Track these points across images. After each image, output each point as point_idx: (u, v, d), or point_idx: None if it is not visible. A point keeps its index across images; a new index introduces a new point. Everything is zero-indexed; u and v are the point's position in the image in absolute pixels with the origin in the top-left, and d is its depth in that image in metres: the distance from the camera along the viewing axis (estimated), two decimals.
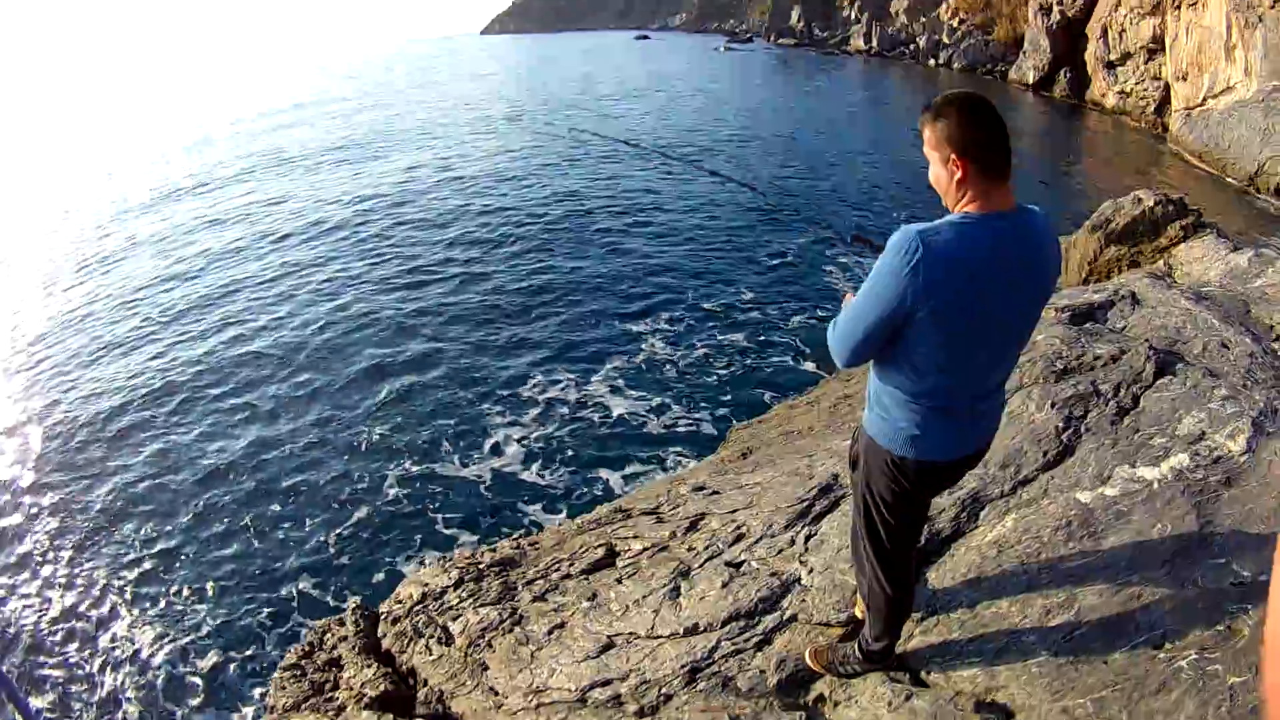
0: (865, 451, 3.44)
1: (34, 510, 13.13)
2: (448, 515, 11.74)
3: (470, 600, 6.06)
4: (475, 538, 11.16)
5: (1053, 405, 5.63)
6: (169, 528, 12.18)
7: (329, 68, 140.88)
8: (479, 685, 5.25)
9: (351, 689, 5.69)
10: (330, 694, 5.77)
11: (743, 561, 5.25)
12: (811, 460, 6.55)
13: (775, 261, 20.80)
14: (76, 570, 11.65)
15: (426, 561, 10.56)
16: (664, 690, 4.47)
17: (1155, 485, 4.63)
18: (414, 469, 12.85)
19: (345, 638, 6.40)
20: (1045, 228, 2.99)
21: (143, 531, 12.17)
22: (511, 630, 5.53)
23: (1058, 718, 3.53)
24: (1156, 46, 34.54)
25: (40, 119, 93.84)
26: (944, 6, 66.21)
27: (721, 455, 9.20)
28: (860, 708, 3.89)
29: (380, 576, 10.76)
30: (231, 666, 9.63)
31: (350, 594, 10.38)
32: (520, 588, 6.02)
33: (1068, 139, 35.33)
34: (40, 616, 10.93)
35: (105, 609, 10.87)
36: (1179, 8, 31.84)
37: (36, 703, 9.65)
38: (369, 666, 5.88)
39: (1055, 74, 44.99)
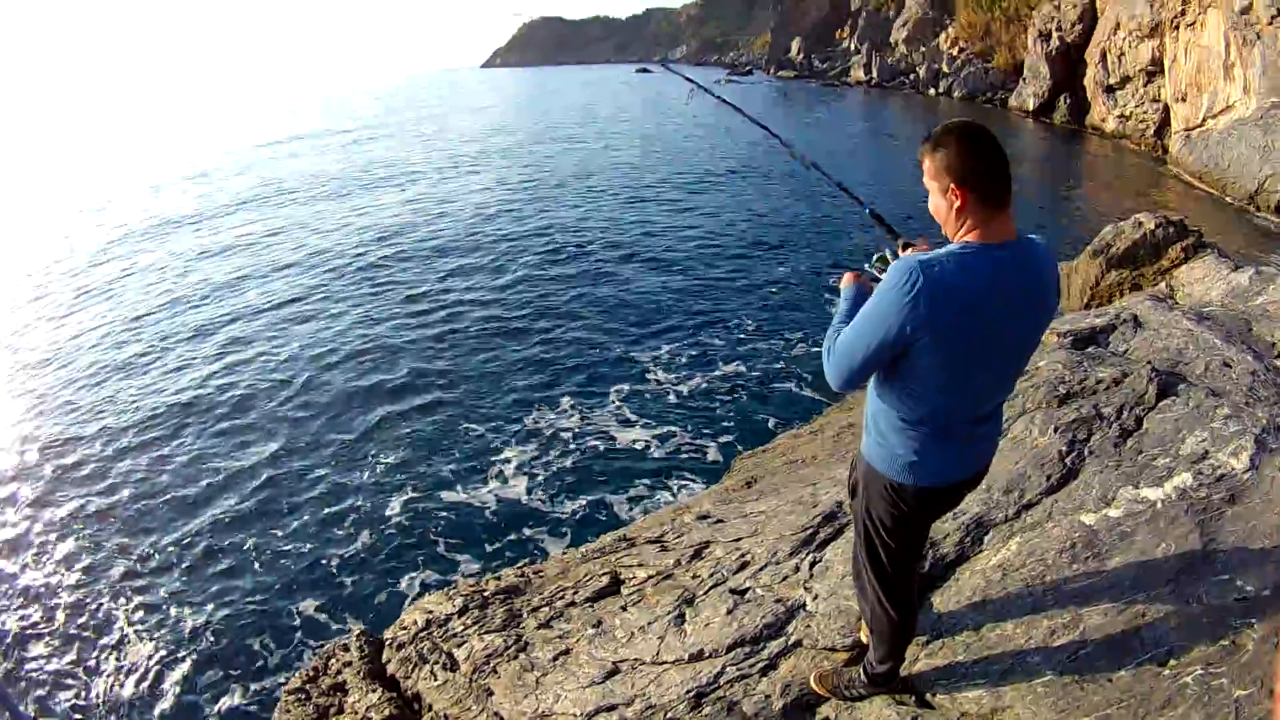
0: (864, 478, 3.45)
1: (34, 529, 13.14)
2: (451, 540, 11.75)
3: (475, 627, 6.06)
4: (478, 563, 11.18)
5: (1055, 429, 5.63)
6: (170, 548, 12.20)
7: (330, 100, 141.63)
8: (484, 710, 5.24)
9: (356, 713, 5.71)
10: (335, 718, 5.79)
11: (747, 588, 5.26)
12: (815, 488, 6.56)
13: (777, 290, 20.90)
14: (76, 589, 11.63)
15: (429, 585, 10.64)
16: (669, 715, 4.47)
17: (1159, 505, 4.63)
18: (417, 495, 12.84)
19: (350, 663, 6.41)
20: (1045, 256, 3.00)
21: (144, 552, 12.18)
22: (516, 657, 5.53)
23: None
24: (1155, 69, 34.73)
25: (41, 144, 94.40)
26: (943, 36, 66.63)
27: (726, 484, 9.20)
28: None
29: (383, 599, 10.76)
30: (234, 688, 9.61)
31: (352, 618, 10.40)
32: (525, 615, 6.03)
33: (1068, 164, 35.45)
34: (39, 633, 10.92)
35: (104, 628, 10.86)
36: (1177, 29, 32.03)
37: (21, 709, 9.66)
38: (374, 691, 5.89)
39: (1055, 100, 45.22)
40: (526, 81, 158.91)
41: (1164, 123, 34.29)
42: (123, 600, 11.26)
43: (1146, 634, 3.82)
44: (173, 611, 10.93)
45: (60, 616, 11.14)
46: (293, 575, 11.36)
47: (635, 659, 5.02)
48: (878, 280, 3.50)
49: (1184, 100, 31.67)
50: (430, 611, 6.56)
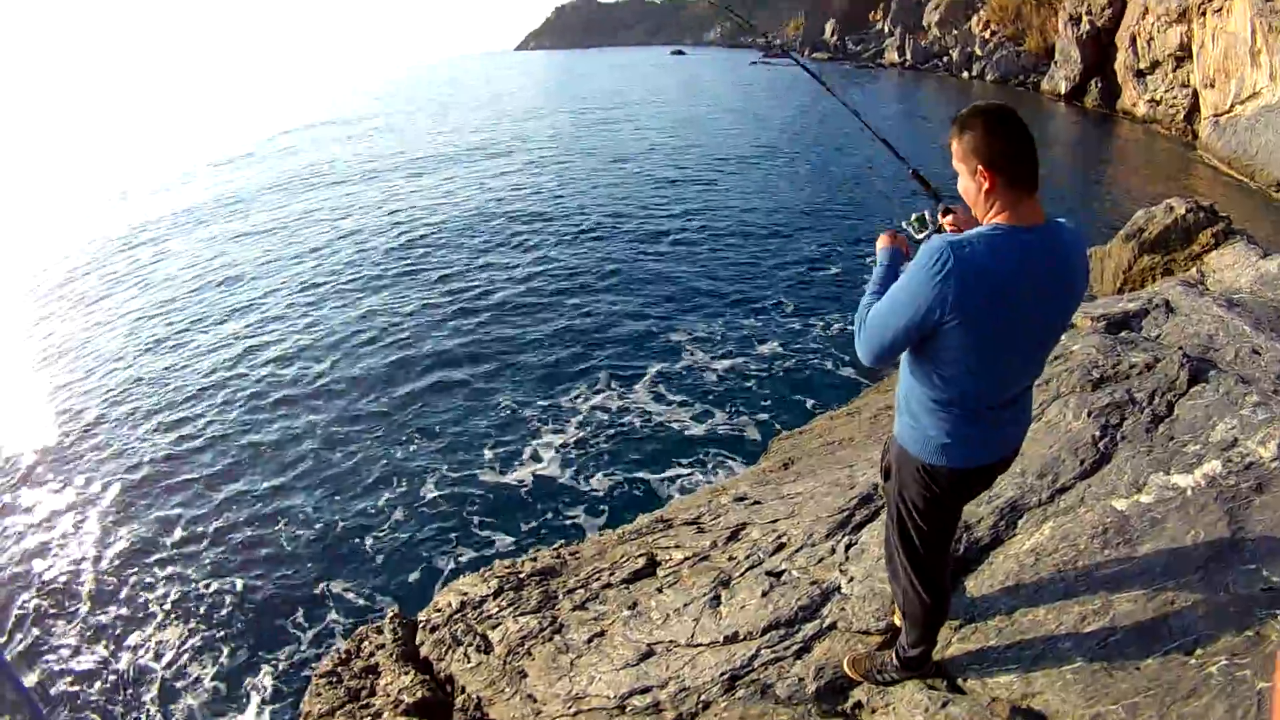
0: (897, 460, 3.48)
1: (66, 504, 13.34)
2: (486, 519, 11.76)
3: (510, 609, 6.09)
4: (514, 542, 11.18)
5: (1089, 414, 5.64)
6: (202, 526, 12.29)
7: (362, 84, 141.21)
8: (517, 692, 5.28)
9: (389, 695, 5.72)
10: (367, 701, 5.79)
11: (783, 570, 5.29)
12: (852, 470, 6.58)
13: (814, 271, 20.97)
14: (106, 565, 11.75)
15: (464, 564, 10.67)
16: (703, 698, 4.50)
17: (1189, 492, 4.63)
18: (453, 474, 12.86)
19: (383, 645, 6.44)
20: (1074, 241, 3.02)
21: (175, 529, 12.29)
22: (551, 639, 5.56)
23: None
24: (1184, 54, 34.42)
25: (71, 135, 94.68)
26: (975, 19, 66.11)
27: (763, 465, 9.23)
28: (897, 714, 3.92)
29: (416, 578, 10.78)
30: (264, 668, 9.65)
31: (385, 597, 10.43)
32: (561, 596, 6.06)
33: (1099, 149, 35.22)
34: (69, 608, 11.04)
35: (133, 605, 10.96)
36: (1204, 15, 31.74)
37: (53, 690, 9.75)
38: (406, 674, 5.91)
39: (1086, 84, 44.80)
40: (560, 64, 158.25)
41: (1193, 108, 33.98)
42: (152, 577, 11.36)
43: (1174, 622, 3.82)
44: (203, 589, 11.01)
45: (89, 592, 11.26)
46: (325, 554, 11.40)
47: (670, 641, 5.06)
48: (914, 241, 3.54)
49: (1212, 86, 31.38)
50: (465, 593, 6.59)
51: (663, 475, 12.36)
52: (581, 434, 13.66)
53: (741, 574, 5.42)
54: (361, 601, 10.48)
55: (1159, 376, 5.99)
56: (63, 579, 11.63)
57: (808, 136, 42.66)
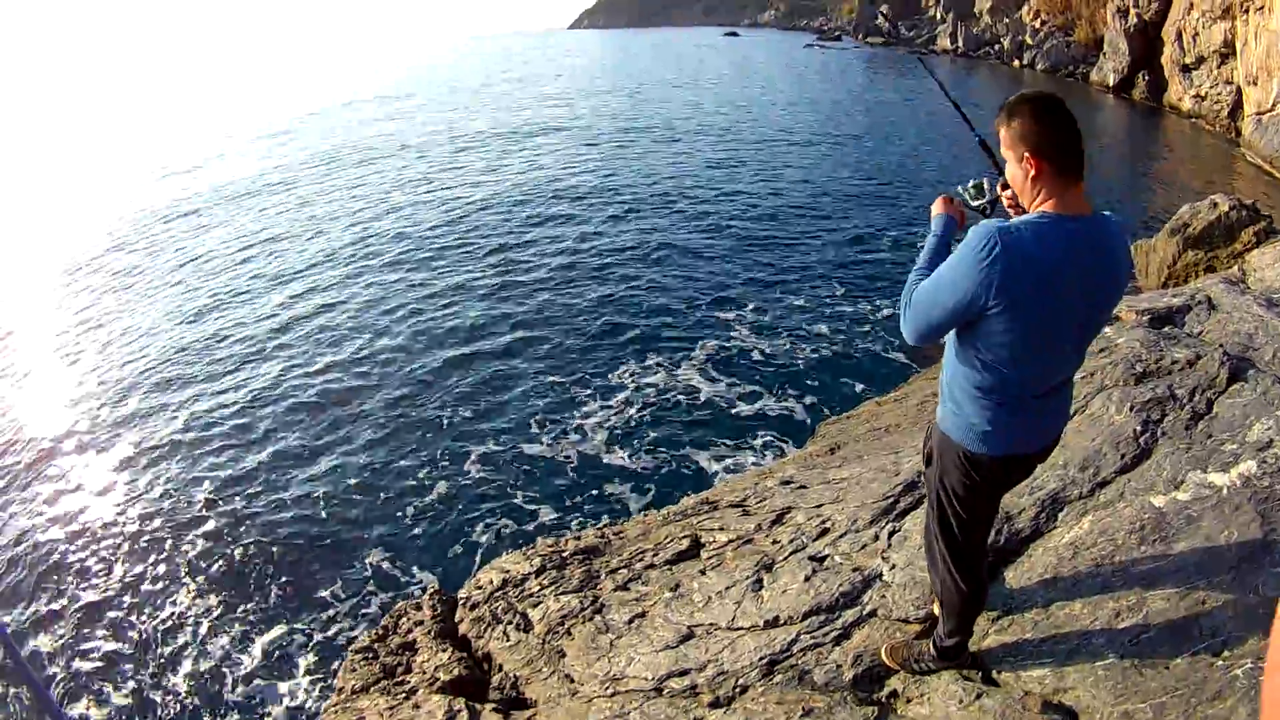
0: (938, 447, 3.52)
1: (104, 466, 13.59)
2: (530, 494, 11.81)
3: (551, 588, 6.15)
4: (557, 517, 11.24)
5: (1131, 408, 5.66)
6: (240, 494, 12.41)
7: (414, 61, 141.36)
8: (555, 672, 5.34)
9: (425, 673, 5.78)
10: (402, 677, 5.85)
11: (826, 556, 5.34)
12: (898, 457, 6.62)
13: (864, 253, 20.96)
14: (141, 529, 11.92)
15: (505, 538, 10.75)
16: (741, 681, 4.55)
17: (1225, 491, 4.65)
18: (499, 448, 12.95)
19: (421, 622, 6.51)
20: (1118, 234, 3.05)
21: (212, 495, 12.44)
22: (592, 619, 5.62)
23: None
24: (1228, 50, 33.98)
25: (138, 103, 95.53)
26: (1026, 7, 65.56)
27: (810, 449, 9.31)
28: (931, 705, 3.96)
29: (456, 550, 10.84)
30: (299, 639, 9.72)
31: (423, 570, 10.49)
32: (603, 576, 6.11)
33: (1145, 142, 34.91)
34: (100, 573, 11.21)
35: (168, 572, 11.09)
36: (1247, 12, 31.34)
37: (86, 657, 9.92)
38: (444, 651, 5.97)
39: (1134, 77, 44.24)
40: (613, 43, 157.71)
41: (1237, 105, 33.51)
42: (189, 545, 11.49)
43: (1205, 622, 3.85)
44: (240, 558, 11.12)
45: (124, 559, 11.44)
46: (366, 525, 11.46)
47: (711, 624, 5.11)
48: (969, 207, 3.61)
49: (1255, 84, 30.98)
50: (507, 571, 6.65)
51: (709, 454, 12.37)
52: (628, 410, 13.72)
53: (784, 558, 5.47)
54: (400, 574, 10.54)
55: (1200, 374, 6.00)
56: (98, 545, 11.79)
57: (862, 120, 42.60)
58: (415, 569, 10.60)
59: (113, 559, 11.48)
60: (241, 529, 11.70)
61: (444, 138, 42.38)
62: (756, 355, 15.34)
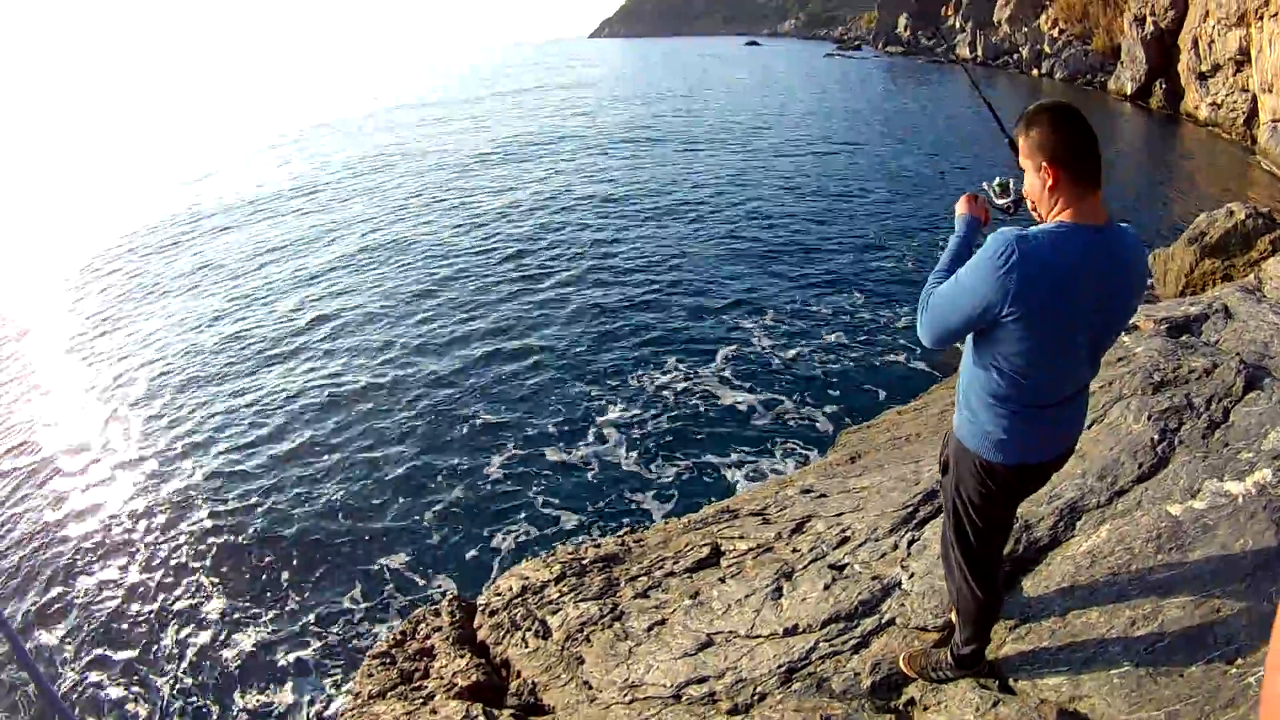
0: (955, 455, 3.54)
1: (121, 460, 13.71)
2: (550, 498, 11.81)
3: (571, 595, 6.18)
4: (577, 522, 11.24)
5: (1149, 417, 5.65)
6: (259, 492, 12.46)
7: (437, 69, 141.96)
8: (573, 679, 5.37)
9: (442, 678, 5.80)
10: (419, 683, 5.86)
11: (846, 564, 5.36)
12: (918, 466, 6.64)
13: (885, 261, 20.89)
14: (156, 525, 12.02)
15: (524, 544, 10.76)
16: (759, 689, 4.58)
17: (1240, 500, 4.65)
18: (519, 451, 12.96)
19: (440, 628, 6.53)
20: (1135, 245, 3.06)
21: (230, 494, 12.50)
22: (611, 626, 5.65)
23: None
24: (1243, 58, 33.84)
25: (190, 102, 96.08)
26: (1044, 17, 65.48)
27: (830, 458, 9.33)
28: (948, 713, 3.98)
29: (475, 554, 10.84)
30: (315, 642, 9.71)
31: (443, 574, 10.49)
32: (623, 584, 6.15)
33: (1162, 150, 34.79)
34: (115, 567, 11.30)
35: (182, 570, 11.14)
36: (1262, 19, 31.26)
37: (96, 650, 9.96)
38: (462, 657, 6.00)
39: (1151, 85, 43.99)
40: (634, 52, 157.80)
41: (1253, 112, 33.41)
42: (205, 544, 11.56)
43: (1219, 630, 3.86)
44: (255, 558, 11.17)
45: (139, 554, 11.53)
46: (384, 528, 11.47)
47: (730, 632, 5.14)
48: (994, 206, 3.62)
49: (1270, 91, 30.86)
50: (526, 577, 6.69)
51: (729, 461, 12.34)
52: (648, 415, 13.73)
53: (804, 566, 5.49)
54: (419, 579, 10.54)
55: (1216, 382, 6.00)
56: (111, 542, 11.88)
57: (882, 127, 42.59)
58: (434, 574, 10.59)
59: (126, 557, 11.55)
60: (259, 530, 11.74)
61: (462, 145, 42.66)
62: (776, 363, 15.33)
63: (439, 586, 10.25)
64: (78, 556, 11.68)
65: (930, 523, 5.50)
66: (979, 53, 74.85)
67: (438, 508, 11.80)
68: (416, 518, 11.66)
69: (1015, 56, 68.16)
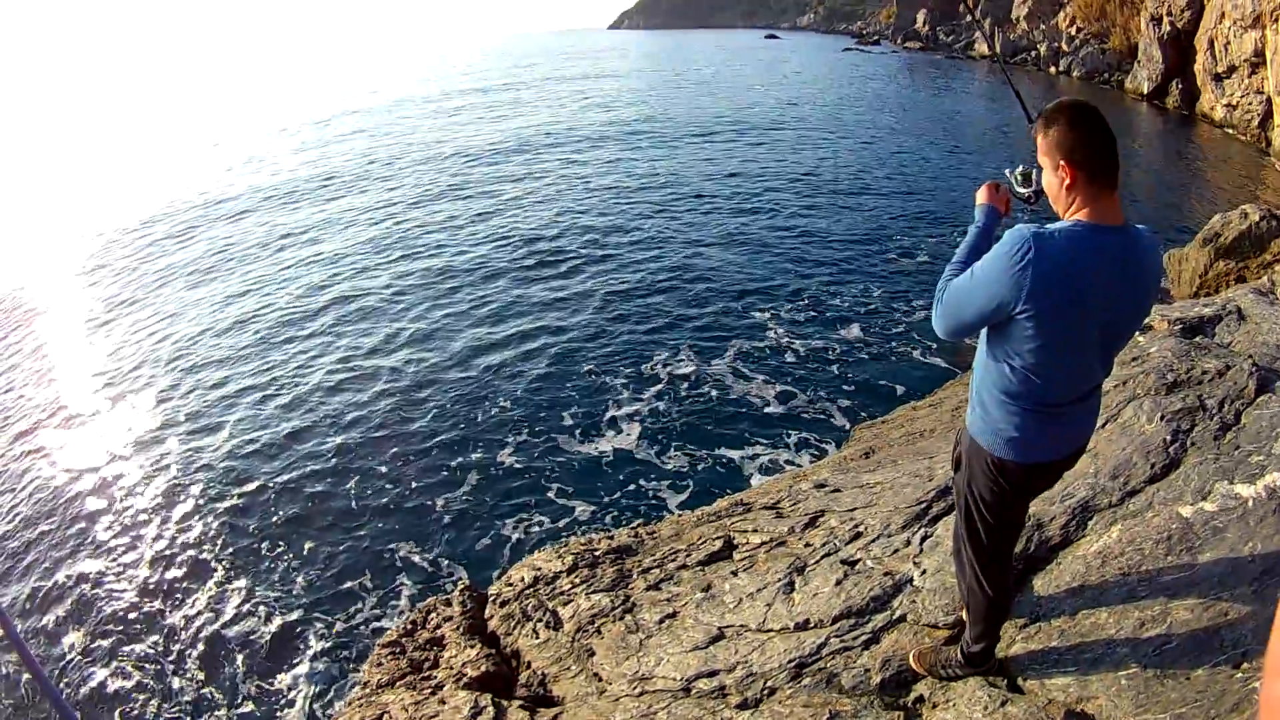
0: (967, 452, 3.56)
1: (131, 449, 13.74)
2: (563, 488, 11.84)
3: (583, 586, 6.20)
4: (591, 513, 11.26)
5: (1162, 418, 5.66)
6: (271, 480, 12.49)
7: (455, 59, 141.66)
8: (583, 670, 5.39)
9: (452, 668, 5.83)
10: (429, 673, 5.89)
11: (858, 560, 5.37)
12: (932, 462, 6.66)
13: (901, 255, 20.93)
14: (168, 511, 12.08)
15: (536, 532, 10.79)
16: (769, 684, 4.59)
17: (1250, 503, 4.65)
18: (533, 439, 13.00)
19: (450, 618, 6.56)
20: (1151, 246, 3.08)
21: (243, 481, 12.55)
22: (622, 618, 5.66)
23: None
24: (1259, 60, 33.74)
25: (200, 95, 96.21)
26: (1062, 15, 65.28)
27: (845, 453, 9.35)
28: (957, 711, 3.99)
29: (487, 543, 10.86)
30: (323, 630, 9.76)
31: (454, 563, 10.51)
32: (635, 576, 6.16)
33: (1177, 150, 34.66)
34: (126, 554, 11.34)
35: (194, 555, 11.19)
36: (1277, 22, 31.16)
37: (108, 636, 10.01)
38: (472, 647, 6.03)
39: (1167, 85, 43.81)
40: (654, 44, 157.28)
41: (1268, 114, 33.31)
42: (217, 530, 11.63)
43: (1227, 634, 3.87)
44: (268, 545, 11.20)
45: (151, 541, 11.59)
46: (397, 516, 11.49)
47: (741, 625, 5.15)
48: (1015, 194, 3.64)
49: None
50: (539, 568, 6.71)
51: (743, 453, 12.37)
52: (662, 404, 13.77)
53: (816, 561, 5.51)
54: (429, 567, 10.57)
55: (1229, 384, 5.99)
56: (119, 523, 12.00)
57: (901, 121, 42.58)
58: (445, 562, 10.62)
59: (132, 540, 11.64)
60: (269, 514, 11.80)
61: (479, 136, 42.52)
62: (791, 355, 15.38)
63: (450, 575, 10.29)
64: (83, 535, 11.81)
65: (943, 519, 5.51)
66: (997, 49, 74.65)
67: (449, 495, 11.83)
68: (428, 505, 11.68)
69: (1033, 54, 67.92)
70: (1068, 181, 2.98)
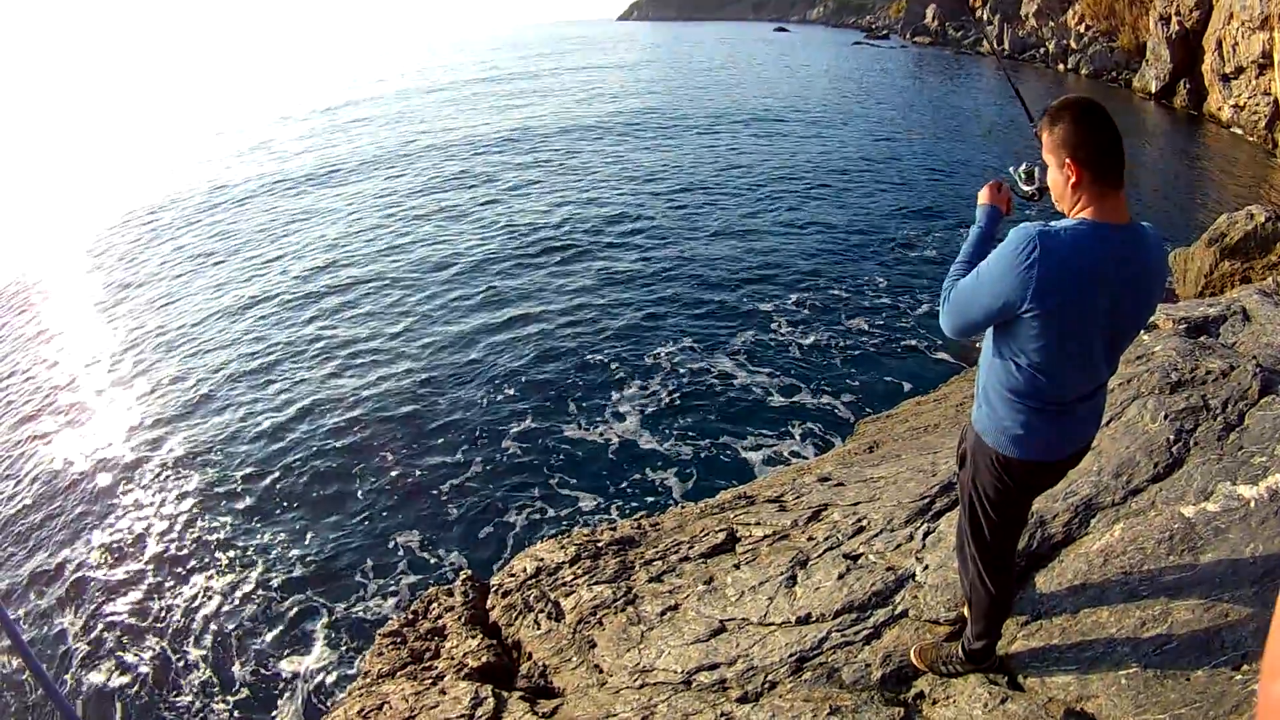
0: (972, 449, 3.56)
1: (137, 440, 13.69)
2: (567, 478, 11.82)
3: (585, 577, 6.20)
4: (594, 503, 11.26)
5: (1166, 417, 5.65)
6: (274, 467, 12.48)
7: (467, 48, 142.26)
8: (584, 662, 5.39)
9: (453, 659, 5.83)
10: (430, 663, 5.90)
11: (860, 554, 5.37)
12: (935, 457, 6.66)
13: (906, 250, 20.86)
14: (166, 497, 12.11)
15: (539, 521, 10.79)
16: (770, 678, 4.60)
17: (1252, 504, 4.65)
18: (536, 427, 13.00)
19: (452, 608, 6.57)
20: (1156, 245, 3.08)
21: (246, 469, 12.54)
22: (624, 609, 5.67)
23: None
24: (1266, 61, 33.67)
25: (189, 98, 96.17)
26: (1071, 12, 65.14)
27: (849, 447, 9.36)
28: (957, 707, 4.00)
29: (488, 532, 10.86)
30: (324, 616, 9.77)
31: (456, 551, 10.51)
32: (637, 567, 6.16)
33: (1184, 150, 34.61)
34: (130, 541, 11.36)
35: (197, 544, 11.19)
36: None
37: (112, 622, 10.03)
38: (474, 637, 6.03)
39: (1175, 84, 43.69)
40: (663, 35, 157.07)
41: (1275, 115, 33.22)
42: (219, 519, 11.62)
43: (1227, 635, 3.88)
44: (270, 533, 11.21)
45: (144, 528, 11.60)
46: (399, 504, 11.49)
47: (743, 619, 5.16)
48: (1018, 192, 3.63)
49: None
50: (541, 559, 6.71)
51: (747, 444, 12.37)
52: (666, 394, 13.76)
53: (819, 555, 5.50)
54: (430, 557, 10.57)
55: (1233, 385, 5.99)
56: (125, 511, 11.99)
57: (909, 117, 42.49)
58: (447, 552, 10.62)
59: (133, 524, 11.69)
60: (271, 502, 11.82)
61: (486, 126, 42.50)
62: (796, 347, 15.35)
63: (452, 564, 10.29)
64: (84, 520, 11.88)
65: (946, 515, 5.51)
66: (1005, 46, 74.49)
67: (454, 483, 11.83)
68: (432, 494, 11.68)
69: (1041, 51, 67.80)
70: (1073, 179, 2.97)
